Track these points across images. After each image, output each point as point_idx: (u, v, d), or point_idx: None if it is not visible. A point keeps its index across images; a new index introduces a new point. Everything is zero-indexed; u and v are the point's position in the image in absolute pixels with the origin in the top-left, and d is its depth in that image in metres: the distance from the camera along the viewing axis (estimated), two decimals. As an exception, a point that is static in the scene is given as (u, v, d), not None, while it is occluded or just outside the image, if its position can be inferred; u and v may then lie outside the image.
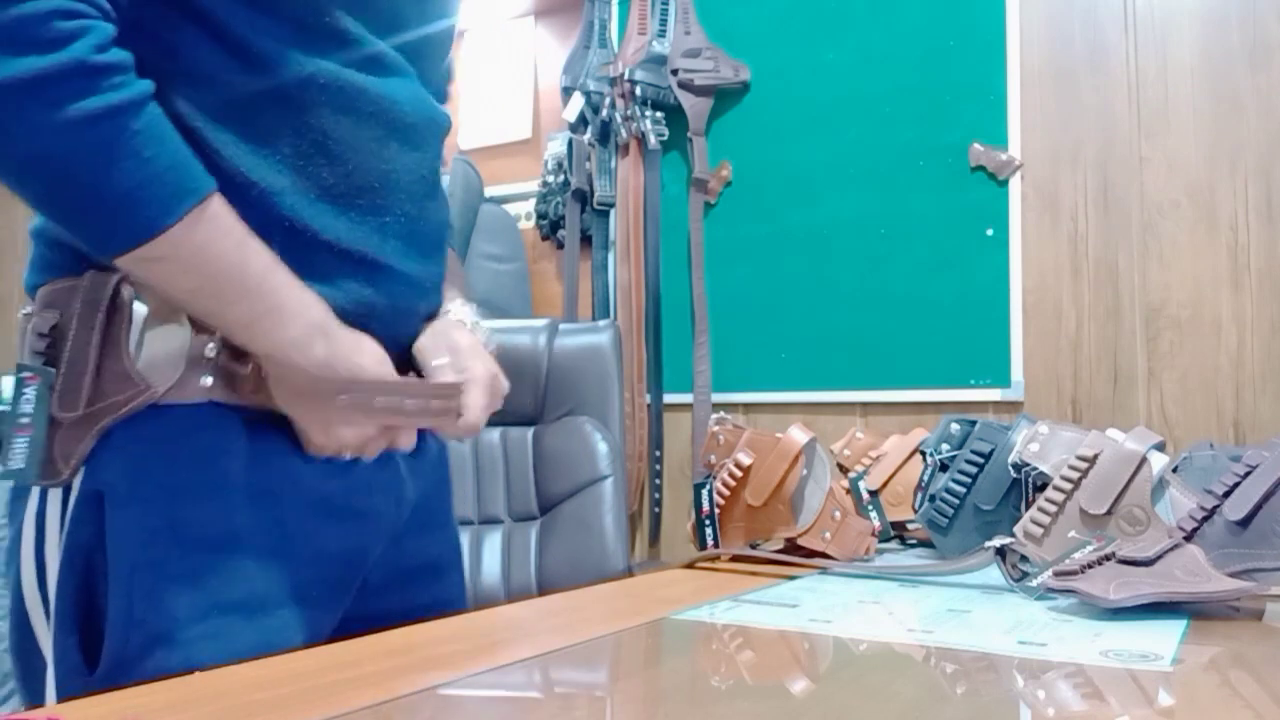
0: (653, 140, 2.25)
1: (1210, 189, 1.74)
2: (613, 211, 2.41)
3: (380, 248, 0.76)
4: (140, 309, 0.68)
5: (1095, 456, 0.89)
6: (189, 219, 0.64)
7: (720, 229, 2.24)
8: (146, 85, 0.64)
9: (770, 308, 2.16)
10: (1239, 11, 1.72)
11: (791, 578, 0.90)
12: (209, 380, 0.70)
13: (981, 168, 1.93)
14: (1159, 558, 0.73)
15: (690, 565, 1.01)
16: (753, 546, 1.03)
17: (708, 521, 1.05)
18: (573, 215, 2.43)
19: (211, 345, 0.70)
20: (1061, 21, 1.88)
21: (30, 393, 0.67)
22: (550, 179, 2.50)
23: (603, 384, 1.70)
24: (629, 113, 2.26)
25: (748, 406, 2.19)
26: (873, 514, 1.24)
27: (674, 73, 2.23)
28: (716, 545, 1.04)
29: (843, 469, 1.41)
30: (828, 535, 1.01)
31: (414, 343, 0.82)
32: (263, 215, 0.69)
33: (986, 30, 1.94)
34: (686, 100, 2.23)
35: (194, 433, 0.69)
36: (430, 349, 0.81)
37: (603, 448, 1.65)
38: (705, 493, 1.06)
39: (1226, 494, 0.79)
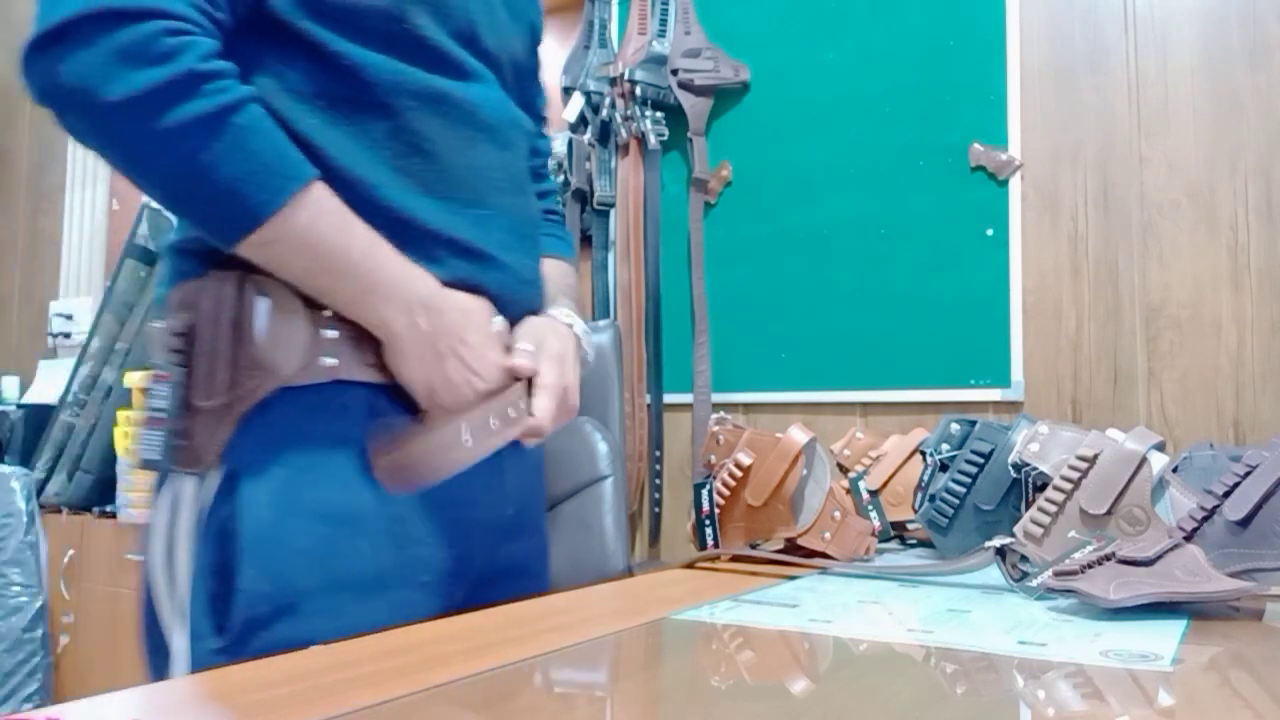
0: (653, 140, 2.25)
1: (1210, 189, 1.74)
2: (613, 211, 2.41)
3: (482, 238, 0.82)
4: (263, 300, 0.74)
5: (1095, 456, 0.89)
6: (293, 204, 0.70)
7: (720, 229, 2.24)
8: (248, 89, 0.71)
9: (770, 308, 2.16)
10: (1239, 11, 1.72)
11: (791, 578, 0.90)
12: (333, 360, 0.76)
13: (981, 168, 1.93)
14: (1159, 558, 0.73)
15: (690, 565, 1.01)
16: (753, 546, 1.03)
17: (708, 521, 1.05)
18: (573, 215, 2.43)
19: (332, 329, 0.76)
20: (1061, 21, 1.88)
21: (164, 389, 0.73)
22: (550, 179, 2.49)
23: (603, 384, 1.70)
24: (629, 113, 2.26)
25: (748, 406, 2.19)
26: (873, 514, 1.24)
27: (674, 73, 2.23)
28: (716, 545, 1.04)
29: (843, 469, 1.41)
30: (828, 535, 1.01)
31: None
32: (370, 206, 0.76)
33: (986, 30, 1.94)
34: (686, 100, 2.23)
35: (319, 414, 0.75)
36: (520, 339, 0.86)
37: (603, 448, 1.65)
38: (705, 493, 1.06)
39: (1226, 494, 0.79)
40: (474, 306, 0.80)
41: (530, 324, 0.88)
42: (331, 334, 0.76)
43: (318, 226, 0.72)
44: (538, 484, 0.96)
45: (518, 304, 0.87)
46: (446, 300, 0.78)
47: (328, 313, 0.76)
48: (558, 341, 0.88)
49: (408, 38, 0.78)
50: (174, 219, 0.81)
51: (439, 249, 0.79)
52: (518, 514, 0.89)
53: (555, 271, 1.02)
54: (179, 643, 0.72)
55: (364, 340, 0.77)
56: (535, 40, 0.99)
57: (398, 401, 0.79)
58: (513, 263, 0.86)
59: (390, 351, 0.77)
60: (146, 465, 0.73)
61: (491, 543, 0.86)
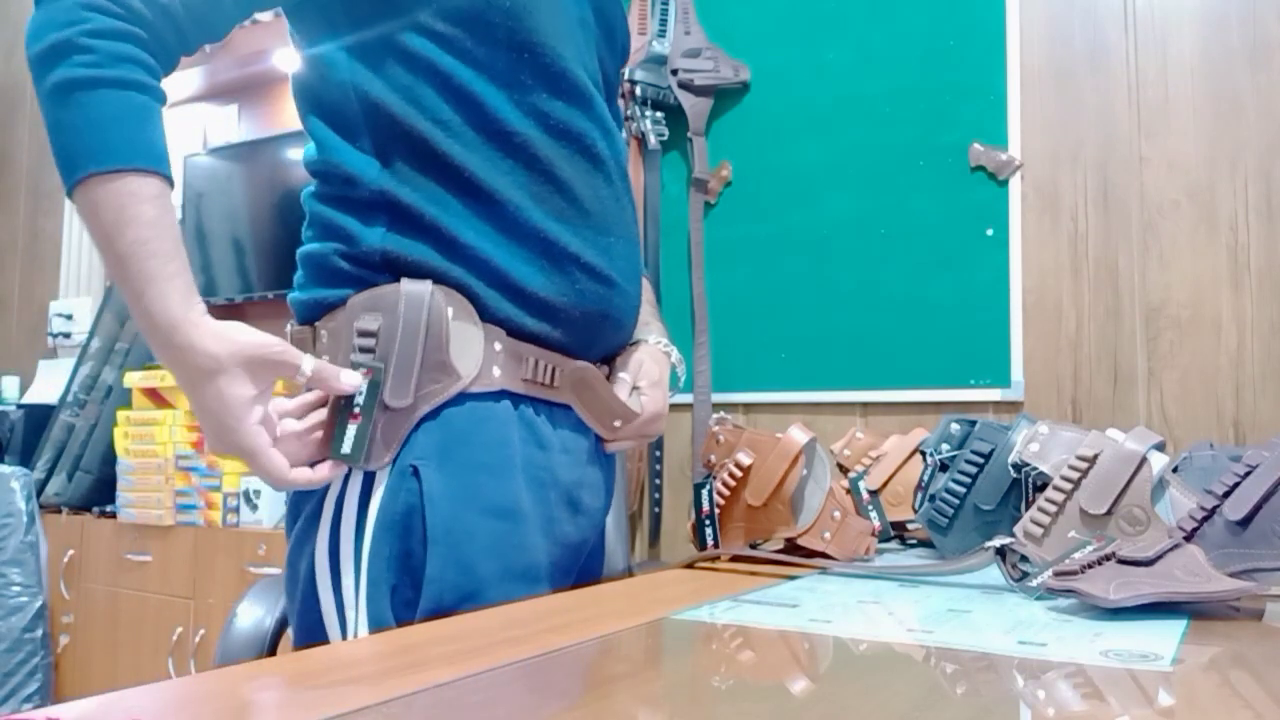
0: (653, 140, 2.25)
1: (1210, 189, 1.74)
2: (613, 211, 2.41)
3: (609, 264, 0.88)
4: (450, 310, 0.80)
5: (1095, 456, 0.89)
6: (92, 182, 0.70)
7: (720, 229, 2.24)
8: (118, 70, 0.71)
9: (770, 308, 2.16)
10: (1239, 11, 1.72)
11: (791, 578, 0.90)
12: (499, 371, 0.82)
13: (981, 168, 1.93)
14: (1159, 558, 0.73)
15: (690, 565, 1.01)
16: (753, 546, 1.03)
17: (708, 521, 1.05)
18: (573, 215, 2.43)
19: (499, 343, 0.82)
20: (1061, 21, 1.88)
21: (365, 385, 0.77)
22: (550, 179, 2.49)
23: (603, 384, 1.70)
24: (629, 113, 2.26)
25: (748, 406, 2.19)
26: (873, 514, 1.24)
27: (674, 73, 2.23)
28: (716, 545, 1.04)
29: (843, 469, 1.41)
30: (828, 535, 1.01)
31: (617, 355, 0.97)
32: (517, 227, 0.82)
33: (986, 30, 1.94)
34: (686, 100, 2.23)
35: (487, 419, 0.81)
36: (625, 370, 0.96)
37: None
38: (705, 493, 1.06)
39: (1226, 494, 0.79)
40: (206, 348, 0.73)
41: (636, 357, 0.97)
42: (498, 347, 0.82)
43: (98, 213, 0.70)
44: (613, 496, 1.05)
45: (629, 326, 0.95)
46: (194, 334, 0.72)
47: (498, 326, 0.82)
48: (657, 369, 0.98)
49: (530, 65, 0.83)
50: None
51: (578, 271, 0.85)
52: (604, 509, 0.98)
53: (644, 289, 1.08)
54: (362, 632, 0.77)
55: (519, 356, 0.83)
56: (624, 60, 1.04)
57: (542, 413, 0.86)
58: (632, 290, 0.92)
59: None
60: (342, 459, 0.77)
61: (593, 534, 0.96)
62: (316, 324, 0.83)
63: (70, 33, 0.70)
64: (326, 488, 0.80)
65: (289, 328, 0.85)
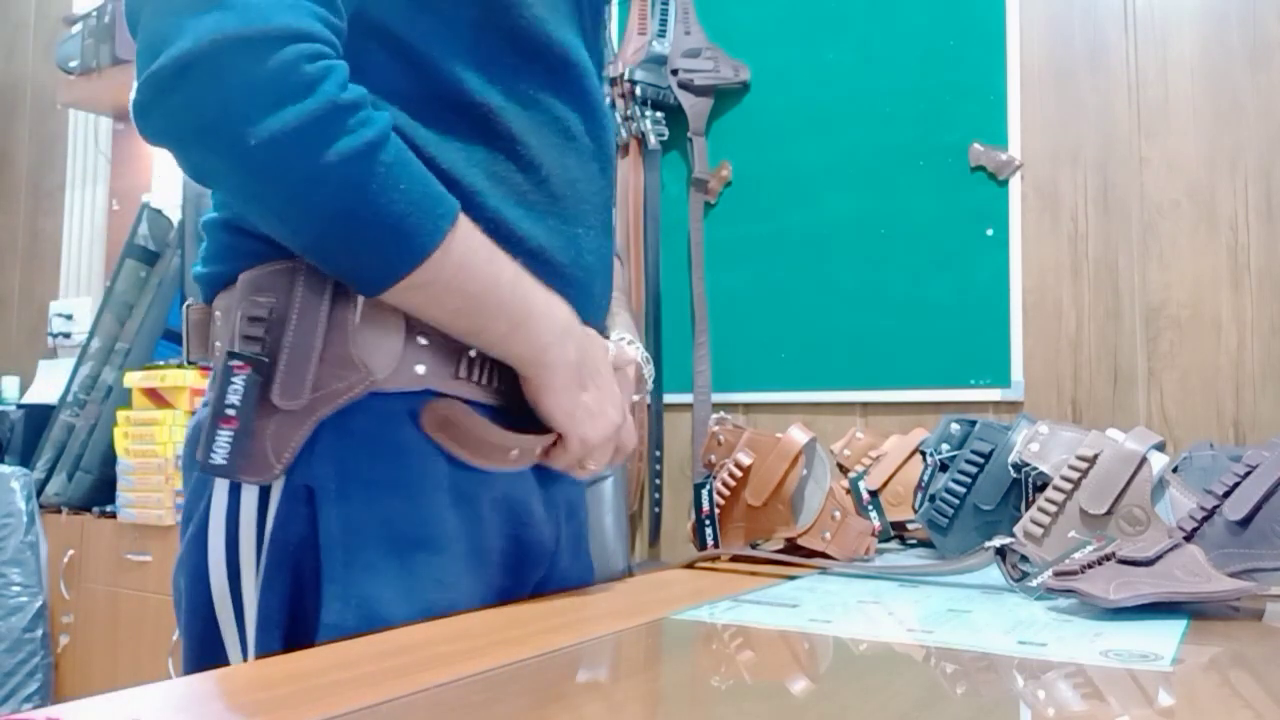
0: (653, 140, 2.25)
1: (1210, 189, 1.73)
2: (613, 211, 2.40)
3: (576, 261, 0.76)
4: (360, 295, 0.67)
5: (1095, 456, 0.89)
6: (448, 239, 0.64)
7: (720, 229, 2.24)
8: (385, 116, 0.64)
9: (770, 308, 2.16)
10: (1239, 11, 1.72)
11: (791, 578, 0.90)
12: (422, 369, 0.69)
13: (981, 168, 1.93)
14: (1159, 558, 0.73)
15: (690, 565, 1.01)
16: (753, 546, 1.03)
17: (708, 521, 1.05)
18: (573, 215, 2.43)
19: (424, 336, 0.69)
20: (1061, 21, 1.88)
21: (239, 383, 0.64)
22: (550, 179, 2.49)
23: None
24: (629, 113, 2.26)
25: (748, 406, 2.18)
26: (873, 514, 1.24)
27: (674, 73, 2.23)
28: (716, 545, 1.04)
29: (843, 469, 1.41)
30: (828, 535, 1.01)
31: None
32: (475, 217, 0.69)
33: (986, 30, 1.94)
34: (686, 100, 2.23)
35: (403, 426, 0.68)
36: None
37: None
38: (705, 493, 1.06)
39: (1226, 494, 0.79)
40: (602, 338, 0.78)
41: None
42: (423, 340, 0.69)
43: (469, 262, 0.65)
44: (584, 509, 0.92)
45: (595, 329, 0.81)
46: (586, 330, 0.75)
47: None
48: (618, 378, 0.83)
49: (497, 28, 0.71)
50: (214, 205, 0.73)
51: (538, 269, 0.72)
52: (570, 538, 0.85)
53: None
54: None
55: (452, 351, 0.71)
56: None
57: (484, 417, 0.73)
58: (596, 289, 0.80)
59: (534, 383, 0.72)
60: (211, 470, 0.64)
61: (545, 563, 0.82)
62: (212, 304, 0.71)
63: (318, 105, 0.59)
64: (210, 498, 0.69)
65: (185, 306, 0.74)
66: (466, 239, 0.66)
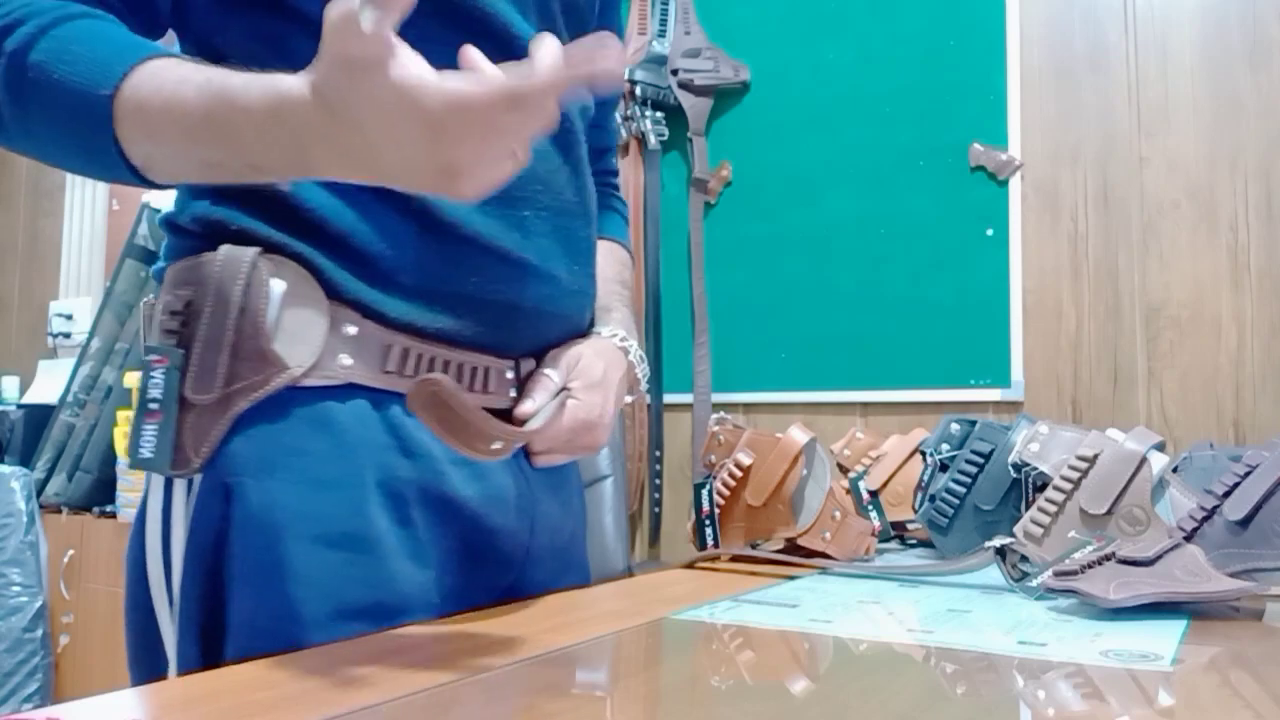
0: (653, 140, 2.25)
1: (1210, 189, 1.74)
2: (613, 211, 2.41)
3: (522, 245, 0.73)
4: (278, 284, 0.65)
5: (1095, 456, 0.89)
6: (120, 88, 0.57)
7: (720, 229, 2.24)
8: (29, 29, 0.59)
9: (770, 308, 2.16)
10: (1239, 11, 1.72)
11: (791, 578, 0.90)
12: (349, 361, 0.67)
13: (981, 168, 1.93)
14: (1159, 558, 0.73)
15: (690, 565, 1.01)
16: (753, 546, 1.03)
17: (708, 521, 1.05)
18: (573, 215, 2.43)
19: (353, 326, 0.67)
20: (1061, 21, 1.88)
21: (159, 376, 0.63)
22: (550, 179, 2.49)
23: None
24: (629, 113, 2.26)
25: (748, 406, 2.19)
26: (873, 514, 1.24)
27: (674, 73, 2.23)
28: (716, 545, 1.04)
29: (843, 469, 1.41)
30: (828, 535, 1.01)
31: (551, 348, 0.78)
32: (391, 201, 0.67)
33: (986, 30, 1.94)
34: (686, 100, 2.23)
35: (326, 421, 0.66)
36: (556, 359, 0.78)
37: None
38: (705, 493, 1.06)
39: (1226, 494, 0.79)
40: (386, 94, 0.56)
41: (574, 351, 0.79)
42: (351, 330, 0.67)
43: (153, 99, 0.57)
44: (580, 514, 0.88)
45: (563, 318, 0.78)
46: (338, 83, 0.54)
47: (350, 308, 0.67)
48: (600, 367, 0.79)
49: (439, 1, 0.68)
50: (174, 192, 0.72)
51: (467, 248, 0.70)
52: (556, 543, 0.83)
53: (606, 262, 0.89)
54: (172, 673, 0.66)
55: (383, 345, 0.68)
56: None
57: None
58: (559, 272, 0.76)
59: (365, 161, 0.55)
60: (139, 464, 0.64)
61: (524, 565, 0.79)
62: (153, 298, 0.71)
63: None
64: (148, 492, 0.68)
65: (143, 302, 0.73)
66: (149, 80, 0.57)
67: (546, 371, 0.77)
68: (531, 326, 0.76)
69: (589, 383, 0.78)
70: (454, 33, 0.61)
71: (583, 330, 0.82)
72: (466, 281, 0.71)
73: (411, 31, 0.56)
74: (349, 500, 0.66)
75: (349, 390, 0.68)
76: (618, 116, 2.28)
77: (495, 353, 0.74)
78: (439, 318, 0.70)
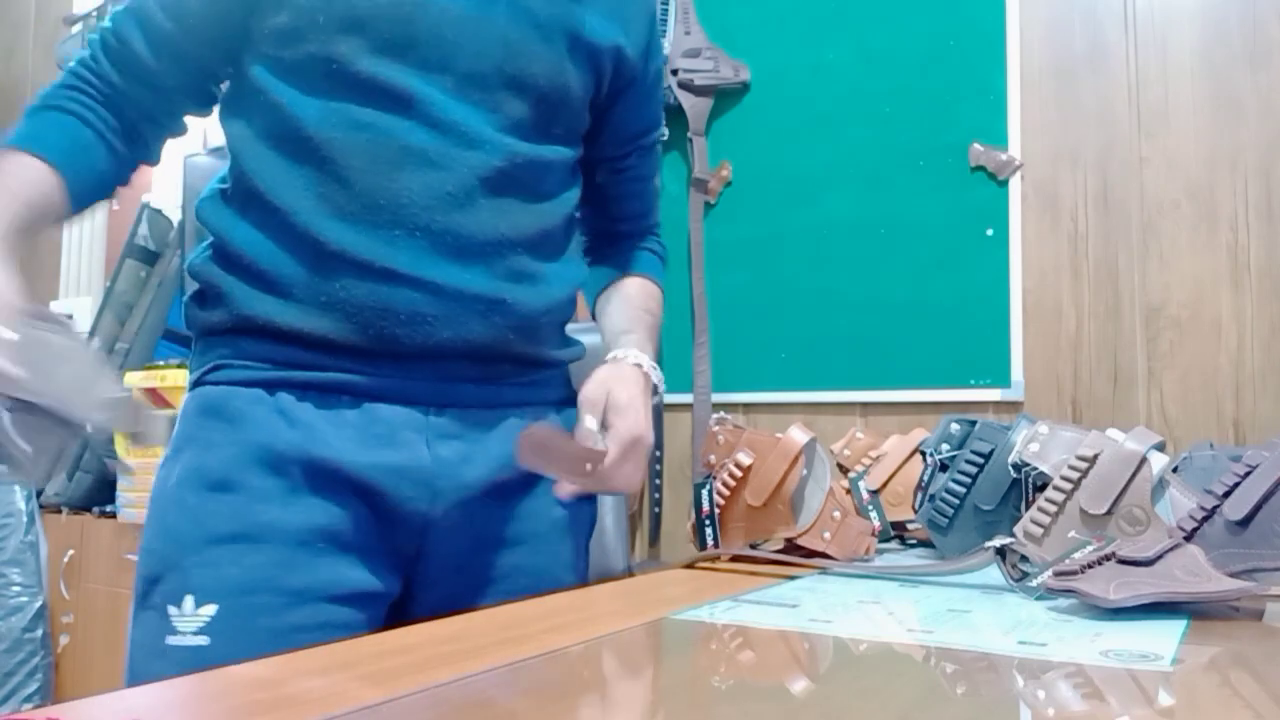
0: (653, 140, 2.25)
1: (1210, 189, 1.74)
2: (613, 211, 2.41)
3: (392, 257, 0.87)
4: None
5: (1095, 456, 0.89)
6: None
7: (720, 229, 2.24)
8: (54, 106, 0.89)
9: (770, 308, 2.16)
10: (1239, 11, 1.72)
11: (791, 578, 0.90)
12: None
13: (981, 168, 1.93)
14: (1159, 558, 0.73)
15: (690, 565, 1.01)
16: (753, 546, 1.03)
17: (708, 521, 1.05)
18: (573, 215, 2.43)
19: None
20: (1061, 21, 1.88)
21: None
22: (550, 179, 2.50)
23: (603, 384, 1.70)
24: (629, 113, 2.26)
25: (748, 406, 2.19)
26: (873, 514, 1.23)
27: (674, 73, 2.23)
28: (716, 545, 1.04)
29: (843, 469, 1.41)
30: (828, 535, 1.01)
31: (465, 355, 0.91)
32: (288, 230, 0.86)
33: (986, 30, 1.94)
34: (686, 100, 2.23)
35: (226, 408, 0.86)
36: (586, 403, 0.91)
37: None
38: (705, 493, 1.06)
39: (1226, 494, 0.79)
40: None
41: (597, 380, 0.93)
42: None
43: None
44: (539, 506, 0.96)
45: (447, 322, 0.89)
46: None
47: (251, 318, 0.89)
48: (624, 390, 0.92)
49: (339, 75, 0.86)
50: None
51: (342, 268, 0.86)
52: (474, 522, 0.92)
53: (637, 294, 1.08)
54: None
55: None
56: (574, 50, 0.96)
57: (309, 398, 0.87)
58: (439, 279, 0.88)
59: None
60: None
61: (440, 537, 0.90)
62: None
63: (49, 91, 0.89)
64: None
65: None
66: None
67: (585, 419, 0.91)
68: (414, 329, 0.88)
69: (618, 409, 0.90)
70: (357, 94, 0.87)
71: (502, 335, 0.93)
72: (336, 293, 0.86)
73: (326, 96, 0.87)
74: (229, 458, 0.84)
75: (248, 385, 0.87)
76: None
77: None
78: (320, 321, 0.86)
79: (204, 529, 0.82)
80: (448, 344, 0.89)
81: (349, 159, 0.86)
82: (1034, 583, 0.78)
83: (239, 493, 0.83)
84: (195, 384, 0.90)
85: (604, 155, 1.07)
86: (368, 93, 0.87)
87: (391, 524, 0.88)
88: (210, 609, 0.79)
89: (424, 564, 0.91)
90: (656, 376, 0.98)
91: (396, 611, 0.91)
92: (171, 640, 0.79)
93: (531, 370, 0.97)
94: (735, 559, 1.02)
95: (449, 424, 0.91)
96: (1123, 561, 0.73)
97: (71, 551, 2.61)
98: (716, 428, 1.09)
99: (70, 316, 3.30)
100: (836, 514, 1.02)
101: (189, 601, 0.79)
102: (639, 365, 0.96)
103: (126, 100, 0.91)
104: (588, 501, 1.02)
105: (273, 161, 0.87)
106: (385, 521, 0.88)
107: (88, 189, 0.92)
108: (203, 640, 0.78)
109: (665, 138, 2.26)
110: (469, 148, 0.90)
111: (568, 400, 1.01)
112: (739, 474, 1.03)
